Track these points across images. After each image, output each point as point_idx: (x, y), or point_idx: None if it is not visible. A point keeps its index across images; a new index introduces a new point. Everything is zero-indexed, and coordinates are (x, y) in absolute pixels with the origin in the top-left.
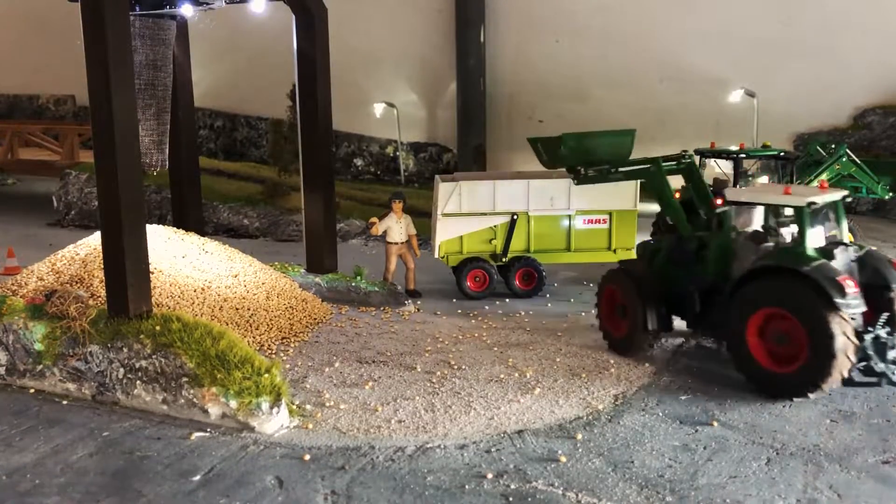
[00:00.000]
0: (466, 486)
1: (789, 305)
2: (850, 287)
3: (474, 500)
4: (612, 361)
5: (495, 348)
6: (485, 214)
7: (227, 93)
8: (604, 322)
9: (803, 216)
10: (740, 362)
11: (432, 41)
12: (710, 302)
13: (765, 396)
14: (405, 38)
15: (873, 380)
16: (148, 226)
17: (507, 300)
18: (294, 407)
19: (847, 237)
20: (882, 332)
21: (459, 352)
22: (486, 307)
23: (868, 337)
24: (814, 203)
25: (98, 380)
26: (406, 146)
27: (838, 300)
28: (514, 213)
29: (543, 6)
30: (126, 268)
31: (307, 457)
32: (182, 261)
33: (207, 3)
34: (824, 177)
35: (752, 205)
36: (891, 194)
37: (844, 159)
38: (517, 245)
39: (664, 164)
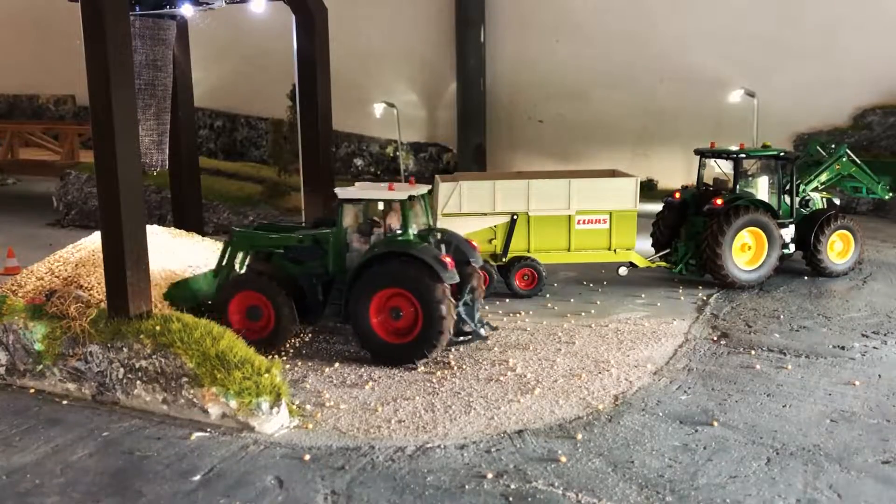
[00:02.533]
0: (466, 486)
1: (404, 284)
2: (449, 262)
3: (474, 499)
4: (612, 362)
5: (495, 348)
6: (485, 214)
7: (228, 93)
8: (237, 328)
9: (405, 208)
10: (365, 341)
11: (432, 41)
12: (330, 291)
13: (763, 396)
14: (405, 39)
15: (468, 337)
16: (147, 226)
17: (508, 300)
18: (294, 407)
19: (432, 223)
20: (468, 298)
21: (459, 352)
22: (486, 307)
23: (459, 303)
24: (413, 196)
25: (98, 380)
26: (406, 146)
27: (443, 274)
28: (514, 213)
29: (543, 6)
30: (126, 268)
31: (307, 457)
32: (180, 261)
33: (207, 4)
34: (824, 177)
35: (359, 201)
36: (891, 194)
37: (844, 159)
38: (517, 245)
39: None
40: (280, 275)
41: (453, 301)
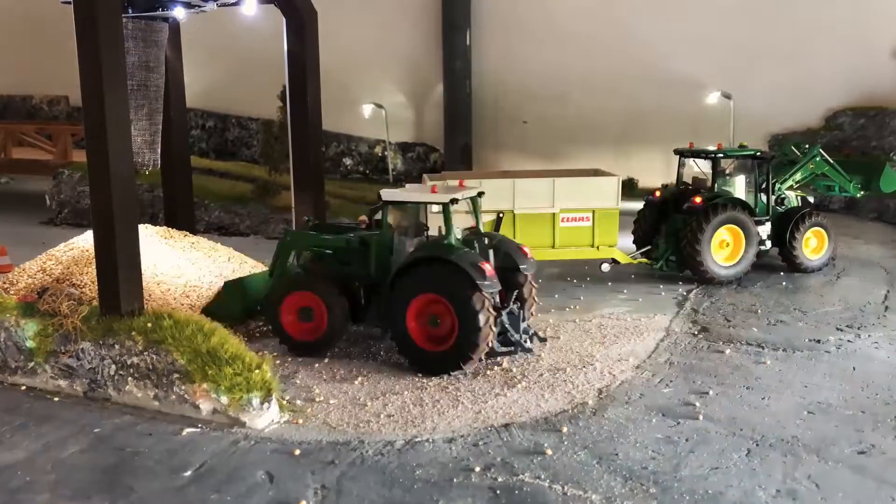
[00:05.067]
0: (454, 480)
1: (441, 290)
2: (489, 270)
3: (462, 493)
4: (595, 356)
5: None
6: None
7: (219, 94)
8: (288, 330)
9: (447, 211)
10: (402, 346)
11: (419, 44)
12: (373, 295)
13: (742, 389)
14: (393, 41)
15: (511, 349)
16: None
17: None
18: (284, 402)
19: (483, 228)
20: (514, 307)
21: None
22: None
23: (504, 312)
24: (456, 200)
25: (89, 376)
26: (394, 146)
27: (479, 282)
28: (500, 212)
29: (527, 11)
30: (118, 265)
31: (297, 451)
32: (172, 259)
33: (199, 6)
34: (799, 176)
35: (402, 203)
36: (862, 192)
37: (818, 159)
38: None
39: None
40: (332, 276)
41: (493, 311)
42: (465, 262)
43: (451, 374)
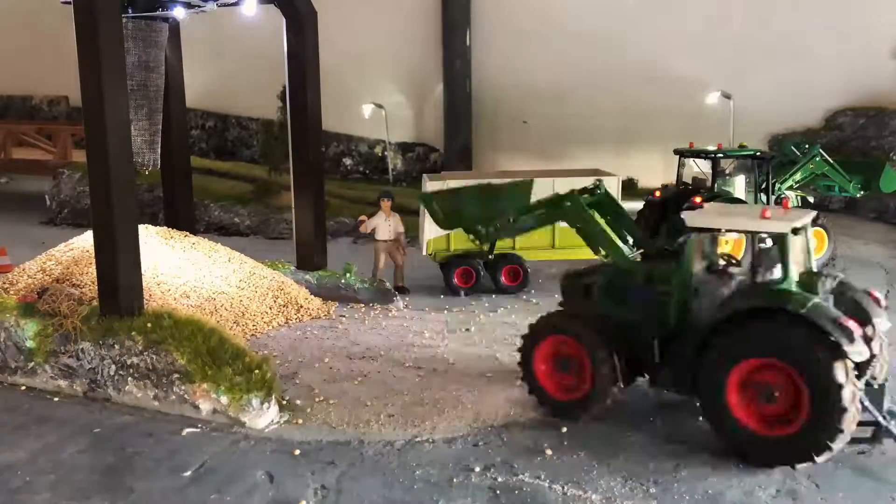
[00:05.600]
0: (455, 480)
1: (782, 354)
2: (856, 328)
3: (462, 493)
4: None
5: (482, 343)
6: None
7: (219, 94)
8: (542, 382)
9: (785, 244)
10: (721, 426)
11: (419, 44)
12: (670, 350)
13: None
14: (393, 41)
15: (868, 434)
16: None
17: (494, 296)
18: (284, 402)
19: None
20: (871, 378)
21: (447, 347)
22: (473, 303)
23: (861, 383)
24: (798, 230)
25: (89, 376)
26: (394, 146)
27: (847, 346)
28: None
29: (527, 10)
30: (118, 265)
31: (297, 451)
32: (172, 260)
33: (199, 6)
34: (799, 176)
35: (718, 231)
36: (862, 192)
37: (818, 159)
38: (503, 242)
39: (580, 196)
40: (601, 316)
41: (857, 384)
42: (823, 317)
43: (803, 461)
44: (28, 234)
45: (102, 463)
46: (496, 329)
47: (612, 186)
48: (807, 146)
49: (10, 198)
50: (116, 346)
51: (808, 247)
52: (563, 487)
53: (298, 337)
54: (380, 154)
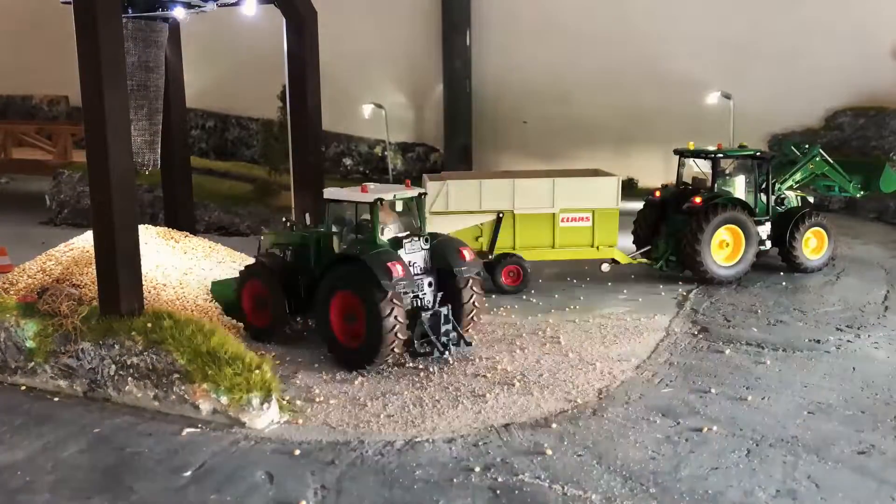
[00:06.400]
0: (454, 480)
1: (355, 288)
2: (398, 271)
3: (462, 493)
4: (595, 356)
5: (482, 343)
6: (471, 213)
7: (219, 94)
8: (248, 315)
9: (374, 211)
10: (327, 341)
11: (419, 44)
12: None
13: (742, 389)
14: (393, 41)
15: (429, 349)
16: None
17: (494, 296)
18: (284, 402)
19: (427, 229)
20: (443, 310)
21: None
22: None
23: (426, 314)
24: (381, 200)
25: (89, 376)
26: (394, 146)
27: (385, 282)
28: (499, 212)
29: (528, 11)
30: (118, 265)
31: (297, 452)
32: (172, 260)
33: (199, 6)
34: (799, 176)
35: (338, 202)
36: (862, 192)
37: (818, 159)
38: (503, 243)
39: None
40: (282, 269)
41: (401, 310)
42: (374, 261)
43: (367, 368)
44: (28, 234)
45: (102, 463)
46: (496, 330)
47: (612, 186)
48: (807, 146)
49: (10, 198)
50: (116, 347)
51: (421, 215)
52: (563, 487)
53: (298, 337)
54: (380, 154)
